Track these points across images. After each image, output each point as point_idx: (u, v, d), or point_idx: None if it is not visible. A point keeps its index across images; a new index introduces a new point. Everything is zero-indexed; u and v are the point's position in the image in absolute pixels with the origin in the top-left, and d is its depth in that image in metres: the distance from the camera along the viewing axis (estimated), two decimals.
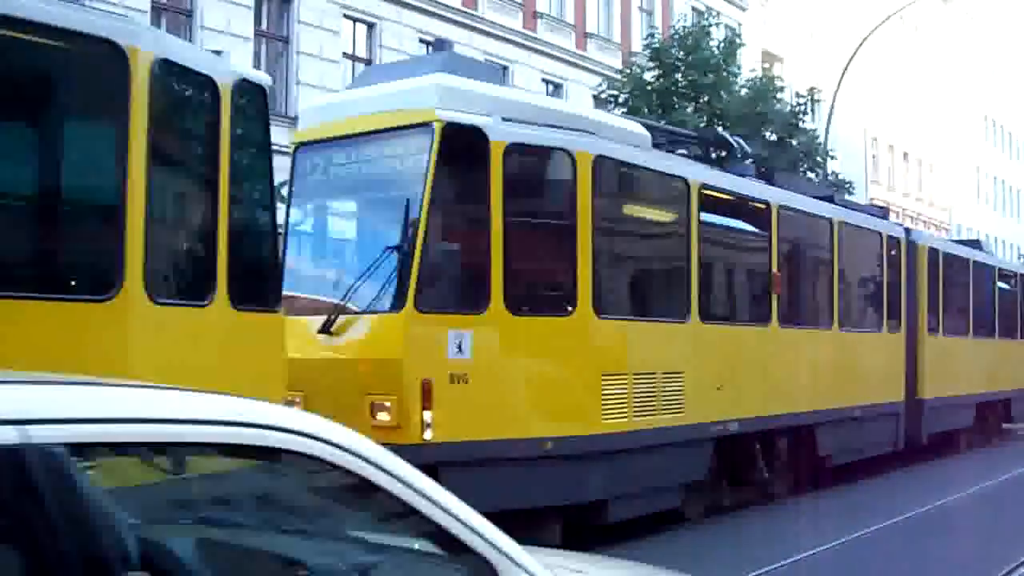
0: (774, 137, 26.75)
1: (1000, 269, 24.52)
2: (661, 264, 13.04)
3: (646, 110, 25.42)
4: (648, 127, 12.95)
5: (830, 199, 16.47)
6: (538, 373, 10.32)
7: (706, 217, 12.69)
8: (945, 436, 20.14)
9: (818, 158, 28.15)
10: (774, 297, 13.94)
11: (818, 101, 28.47)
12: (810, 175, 27.91)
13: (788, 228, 14.65)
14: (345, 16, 25.55)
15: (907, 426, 17.92)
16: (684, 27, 27.51)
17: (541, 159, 10.85)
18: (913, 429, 18.16)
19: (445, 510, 2.72)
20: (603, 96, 27.74)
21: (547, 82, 31.49)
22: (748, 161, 15.82)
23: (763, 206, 14.04)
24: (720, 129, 17.99)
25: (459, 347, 9.59)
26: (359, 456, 2.60)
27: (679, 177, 12.39)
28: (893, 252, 18.01)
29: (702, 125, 25.10)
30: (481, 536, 2.74)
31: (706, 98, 25.88)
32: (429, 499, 2.70)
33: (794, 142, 27.28)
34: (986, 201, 68.17)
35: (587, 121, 11.41)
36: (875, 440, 17.01)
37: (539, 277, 10.99)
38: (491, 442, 9.78)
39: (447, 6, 27.95)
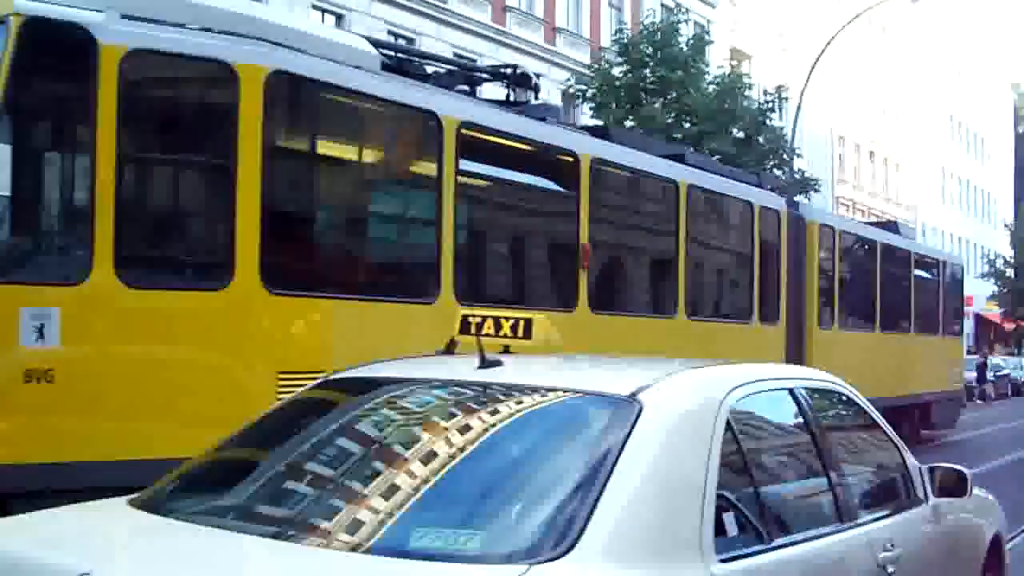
0: (741, 134, 26.85)
1: (918, 255, 21.46)
2: (389, 224, 9.83)
3: (614, 105, 25.47)
4: (396, 49, 10.12)
5: (680, 158, 13.20)
6: (170, 371, 7.40)
7: (470, 166, 9.65)
8: None
9: (785, 156, 28.27)
10: (582, 274, 10.84)
11: (785, 99, 28.60)
12: (777, 172, 28.04)
13: (608, 188, 11.80)
14: (314, 7, 25.46)
15: None
16: (653, 23, 27.57)
17: (182, 73, 7.84)
18: None
19: (886, 425, 5.33)
20: (572, 91, 27.73)
21: None
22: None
23: (569, 159, 10.79)
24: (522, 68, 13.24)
25: (39, 331, 6.83)
26: (856, 396, 5.17)
27: (424, 111, 9.22)
28: (770, 227, 14.88)
29: (670, 121, 25.23)
30: (894, 436, 5.33)
31: (674, 94, 25.95)
32: (881, 418, 5.28)
33: (761, 140, 27.38)
34: (952, 201, 68.76)
35: (269, 26, 8.20)
36: None
37: (173, 234, 8.11)
38: (91, 466, 6.83)
39: None
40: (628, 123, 25.06)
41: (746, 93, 27.86)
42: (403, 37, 27.64)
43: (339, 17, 26.08)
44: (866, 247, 18.75)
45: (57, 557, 3.37)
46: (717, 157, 25.50)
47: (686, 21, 28.76)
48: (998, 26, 74.16)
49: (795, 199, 18.08)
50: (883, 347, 18.68)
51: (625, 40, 26.86)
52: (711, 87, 27.02)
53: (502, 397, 4.12)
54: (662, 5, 35.73)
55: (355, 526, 3.42)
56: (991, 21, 72.35)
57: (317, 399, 4.66)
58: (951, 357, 23.19)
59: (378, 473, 3.82)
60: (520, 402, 4.10)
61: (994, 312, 66.00)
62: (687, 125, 25.83)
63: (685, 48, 26.60)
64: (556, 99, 30.96)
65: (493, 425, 3.99)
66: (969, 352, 55.04)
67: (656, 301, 12.89)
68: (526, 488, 3.55)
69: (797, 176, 28.92)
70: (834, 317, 16.96)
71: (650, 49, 26.31)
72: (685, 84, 25.95)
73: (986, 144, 75.83)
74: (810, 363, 15.28)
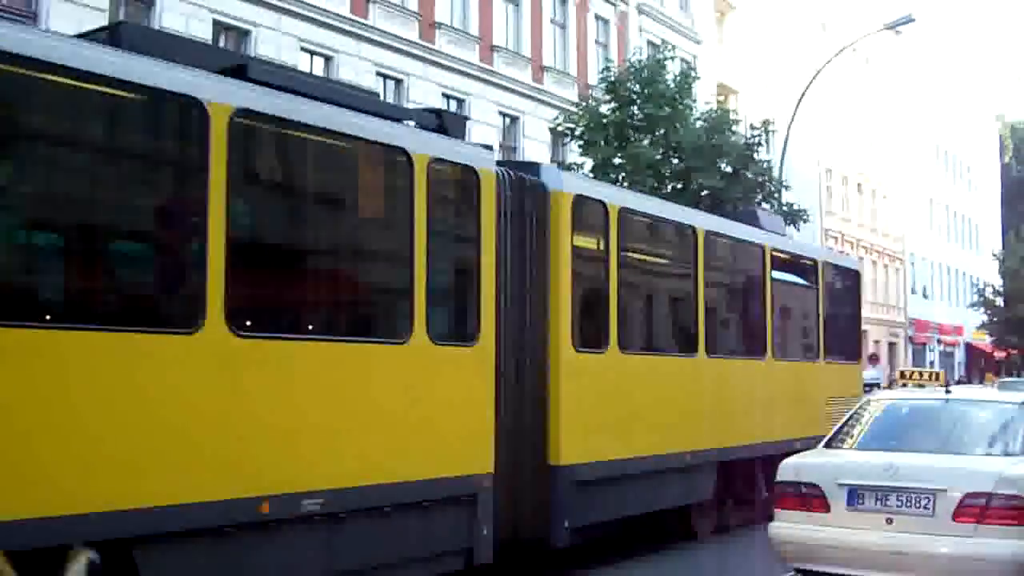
0: (729, 169, 26.97)
1: (780, 253, 15.73)
2: None
3: (603, 143, 25.59)
4: None
5: (239, 71, 8.15)
6: None
7: None
8: (657, 519, 12.99)
9: (772, 189, 28.40)
10: None
11: (772, 132, 28.76)
12: (764, 206, 28.15)
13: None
14: (302, 49, 25.58)
15: (508, 519, 10.05)
16: (640, 60, 27.74)
17: None
18: (533, 521, 10.44)
19: None
20: (560, 129, 27.88)
21: (504, 115, 31.63)
22: None
23: None
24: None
25: None
26: None
27: None
28: (455, 195, 10.02)
29: (658, 158, 25.35)
30: None
31: (662, 131, 26.05)
32: None
33: (749, 174, 27.50)
34: (939, 231, 69.02)
35: None
36: (397, 555, 8.88)
37: None
38: None
39: (404, 39, 28.07)
40: (617, 160, 25.18)
41: (733, 128, 27.99)
42: (391, 78, 27.85)
43: (328, 59, 26.23)
44: (679, 236, 13.35)
45: (873, 460, 9.38)
46: (705, 192, 25.75)
47: (672, 58, 28.92)
48: (982, 57, 74.77)
49: (537, 162, 13.11)
50: (710, 378, 13.50)
51: (612, 78, 27.02)
52: (698, 123, 27.17)
53: (976, 404, 10.67)
54: (648, 42, 35.99)
55: (969, 447, 9.64)
56: (975, 52, 72.93)
57: (880, 407, 10.88)
58: (838, 391, 17.14)
59: (958, 432, 9.89)
60: (984, 407, 10.52)
61: (984, 341, 66.14)
62: (675, 161, 25.96)
63: (672, 85, 26.75)
64: (544, 137, 31.20)
65: (987, 415, 10.21)
66: (959, 381, 55.10)
67: (151, 307, 7.53)
68: (1010, 435, 9.56)
69: (785, 208, 29.04)
70: (610, 334, 11.41)
71: (637, 86, 26.47)
72: (672, 120, 26.09)
73: (972, 173, 76.24)
74: (555, 398, 10.56)
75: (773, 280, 15.30)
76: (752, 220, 15.75)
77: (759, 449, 14.43)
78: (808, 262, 17.02)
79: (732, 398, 13.96)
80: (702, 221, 13.86)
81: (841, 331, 18.24)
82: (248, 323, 7.61)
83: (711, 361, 13.38)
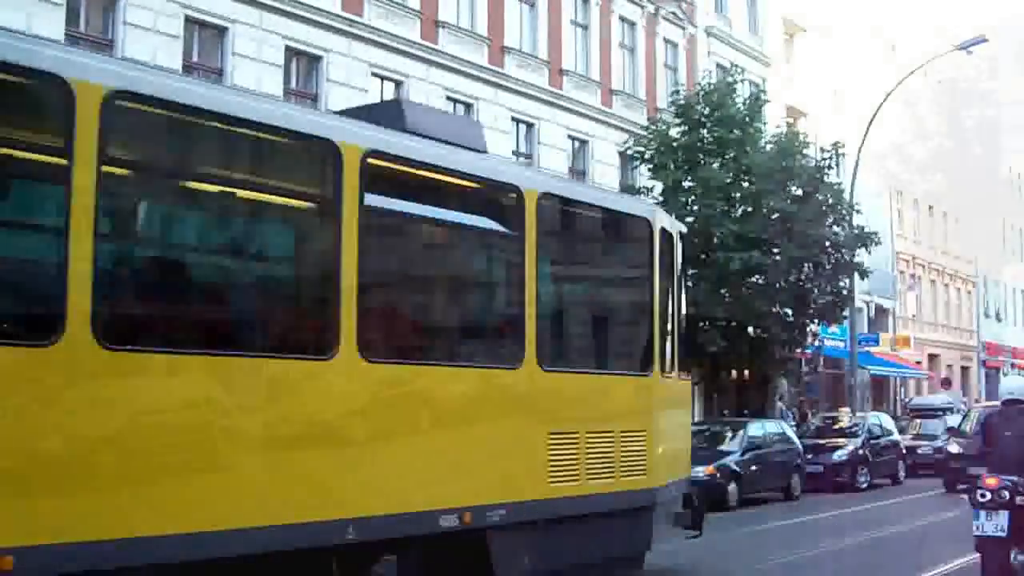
0: (799, 192, 26.88)
1: (392, 162, 8.41)
2: None
3: (672, 166, 25.62)
4: None
5: None
6: None
7: None
8: None
9: (843, 212, 28.24)
10: None
11: (842, 155, 28.63)
12: (835, 228, 28.00)
13: None
14: (373, 75, 25.86)
15: None
16: (709, 83, 27.78)
17: None
18: None
19: None
20: (629, 153, 27.95)
21: (573, 139, 31.71)
22: None
23: None
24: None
25: None
26: None
27: None
28: None
29: (728, 181, 25.34)
30: None
31: (732, 154, 26.06)
32: None
33: (819, 196, 27.39)
34: (1013, 253, 67.93)
35: None
36: None
37: None
38: None
39: (473, 64, 28.28)
40: (687, 183, 25.19)
41: (803, 151, 27.90)
42: (461, 102, 28.05)
43: (398, 84, 26.49)
44: (49, 101, 6.50)
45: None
46: (776, 215, 25.67)
47: (741, 81, 28.90)
48: None
49: None
50: (122, 396, 6.50)
51: (681, 101, 27.05)
52: (768, 146, 27.11)
53: None
54: (717, 65, 35.95)
55: None
56: None
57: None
58: (577, 423, 9.87)
59: None
60: None
61: None
62: (745, 184, 25.91)
63: (741, 108, 26.74)
64: (614, 160, 31.25)
65: None
66: None
67: None
68: None
69: (856, 231, 28.85)
70: None
71: (707, 109, 26.48)
72: (742, 143, 26.06)
73: None
74: None
75: (370, 210, 8.03)
76: (390, 115, 9.04)
77: (304, 535, 7.39)
78: (505, 193, 9.46)
79: (210, 435, 7.01)
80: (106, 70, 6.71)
81: (604, 319, 11.42)
82: None
83: (124, 359, 6.46)
